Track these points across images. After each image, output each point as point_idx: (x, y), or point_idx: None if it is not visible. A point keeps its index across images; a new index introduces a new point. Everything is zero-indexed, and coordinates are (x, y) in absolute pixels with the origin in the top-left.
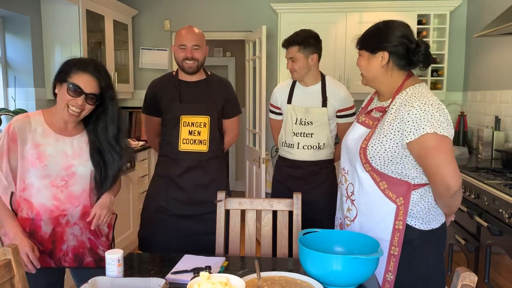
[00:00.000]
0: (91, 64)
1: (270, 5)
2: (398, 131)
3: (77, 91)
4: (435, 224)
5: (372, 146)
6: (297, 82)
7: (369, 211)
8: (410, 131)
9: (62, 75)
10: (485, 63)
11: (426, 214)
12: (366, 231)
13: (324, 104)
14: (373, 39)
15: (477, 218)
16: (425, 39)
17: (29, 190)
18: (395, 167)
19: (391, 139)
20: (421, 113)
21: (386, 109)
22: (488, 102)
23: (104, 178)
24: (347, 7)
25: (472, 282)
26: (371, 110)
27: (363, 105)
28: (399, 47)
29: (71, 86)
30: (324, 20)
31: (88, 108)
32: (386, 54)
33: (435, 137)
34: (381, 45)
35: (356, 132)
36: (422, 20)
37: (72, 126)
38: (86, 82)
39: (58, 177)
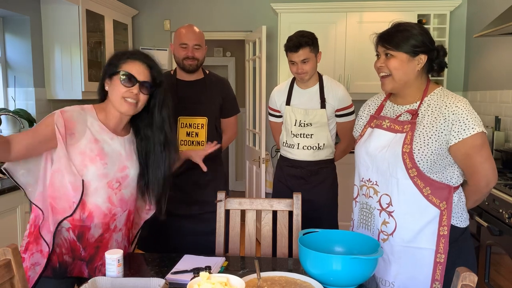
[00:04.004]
0: (139, 52)
1: (270, 5)
2: (442, 131)
3: (131, 79)
4: (468, 220)
5: (419, 149)
6: (295, 84)
7: (411, 221)
8: (458, 131)
9: (112, 67)
10: (485, 63)
11: (463, 212)
12: (407, 242)
13: (323, 105)
14: (416, 41)
15: (477, 218)
16: None
17: (86, 188)
18: (438, 169)
19: (436, 141)
20: (466, 112)
21: (417, 112)
22: (488, 102)
23: (151, 181)
24: (347, 7)
25: (472, 282)
26: (399, 115)
27: (372, 112)
28: (434, 52)
29: (123, 75)
30: (324, 20)
31: (143, 98)
32: (425, 57)
33: (483, 135)
34: (424, 48)
35: (382, 139)
36: (422, 20)
37: (123, 126)
38: (138, 69)
39: (114, 178)
